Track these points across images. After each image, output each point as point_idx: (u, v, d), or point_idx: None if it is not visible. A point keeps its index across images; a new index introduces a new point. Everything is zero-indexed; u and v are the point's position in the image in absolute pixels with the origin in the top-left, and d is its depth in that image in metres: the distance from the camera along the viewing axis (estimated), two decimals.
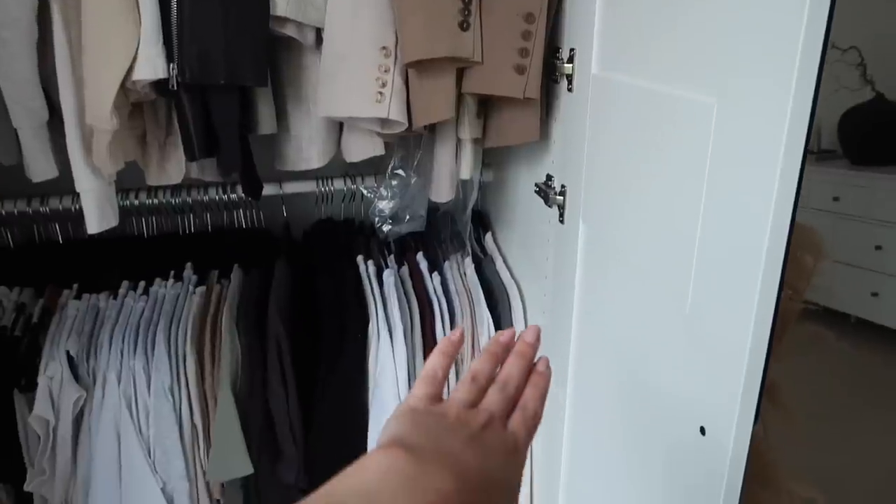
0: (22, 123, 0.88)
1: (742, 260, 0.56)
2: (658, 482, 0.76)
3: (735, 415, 0.61)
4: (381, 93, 0.94)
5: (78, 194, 1.14)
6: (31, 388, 1.08)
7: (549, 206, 1.07)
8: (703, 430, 0.66)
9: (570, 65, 0.96)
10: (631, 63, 0.79)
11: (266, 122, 1.00)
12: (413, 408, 0.45)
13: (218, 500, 1.15)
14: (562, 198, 1.02)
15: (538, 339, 0.53)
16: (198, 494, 1.12)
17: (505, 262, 1.31)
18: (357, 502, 0.37)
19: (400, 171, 1.13)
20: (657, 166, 0.71)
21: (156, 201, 1.22)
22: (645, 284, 0.76)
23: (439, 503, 0.38)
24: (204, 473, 1.12)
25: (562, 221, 1.02)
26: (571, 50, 0.96)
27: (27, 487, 1.11)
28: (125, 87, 0.87)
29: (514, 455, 0.45)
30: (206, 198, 1.24)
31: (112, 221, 0.97)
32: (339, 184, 1.29)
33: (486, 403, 0.46)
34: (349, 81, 0.94)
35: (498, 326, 1.23)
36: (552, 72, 1.02)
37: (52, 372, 1.06)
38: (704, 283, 0.63)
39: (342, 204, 1.34)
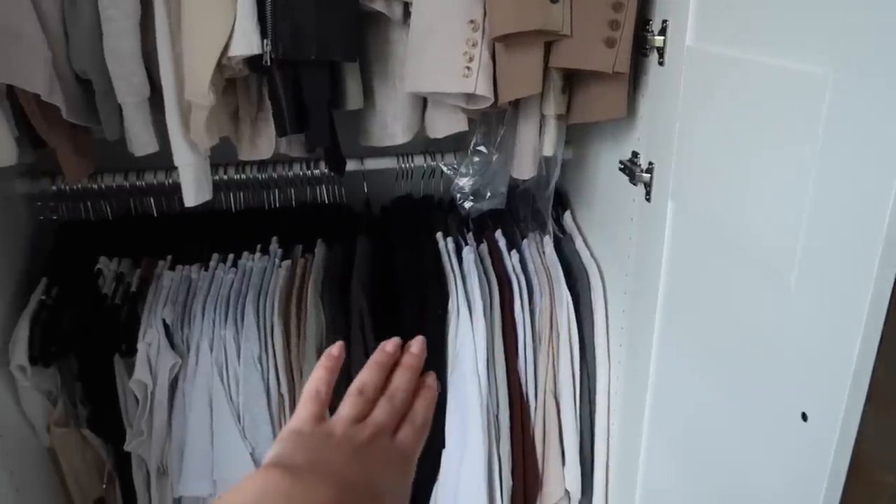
0: (126, 99, 0.92)
1: (857, 240, 0.54)
2: (755, 469, 0.74)
3: (842, 403, 0.58)
4: (468, 67, 0.93)
5: (172, 169, 1.20)
6: (130, 353, 1.14)
7: (635, 184, 1.04)
8: (804, 416, 0.64)
9: (662, 37, 0.93)
10: (730, 33, 0.76)
11: (353, 98, 1.01)
12: (297, 430, 0.44)
13: None
14: (648, 175, 0.99)
15: (424, 350, 0.53)
16: None
17: (584, 241, 1.29)
18: None
19: (482, 148, 1.13)
20: (760, 142, 0.68)
21: (243, 176, 1.25)
22: (743, 263, 0.74)
23: None
24: None
25: (648, 199, 1.00)
26: (664, 21, 0.93)
27: (127, 447, 1.18)
28: (221, 63, 0.90)
29: (403, 464, 0.45)
30: (290, 173, 1.27)
31: (207, 195, 1.01)
32: (419, 160, 1.30)
33: (373, 416, 0.46)
34: (436, 56, 0.94)
35: (577, 306, 1.22)
36: (642, 45, 0.99)
37: (150, 339, 1.11)
38: (813, 263, 0.60)
39: (421, 180, 1.35)
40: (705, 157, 0.82)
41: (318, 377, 0.48)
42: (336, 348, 0.50)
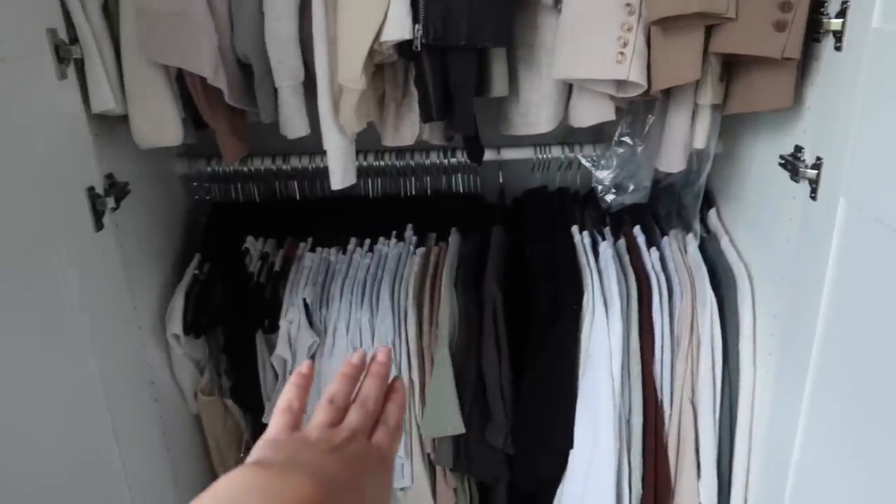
0: (283, 83, 0.95)
1: None
2: None
3: None
4: (622, 53, 0.89)
5: (316, 154, 1.24)
6: (272, 330, 1.19)
7: (797, 181, 0.96)
8: None
9: (840, 20, 0.85)
10: None
11: (498, 85, 1.00)
12: (272, 439, 0.44)
13: (428, 454, 1.19)
14: (815, 172, 0.91)
15: (390, 358, 0.53)
16: (412, 448, 1.17)
17: (731, 240, 1.21)
18: None
19: (626, 139, 1.08)
20: None
21: (382, 163, 1.27)
22: None
23: None
24: (418, 428, 1.17)
25: (813, 198, 0.92)
26: (844, 2, 0.85)
27: (265, 419, 1.23)
28: (372, 48, 0.91)
29: (380, 465, 0.45)
30: (427, 161, 1.28)
31: (352, 179, 1.03)
32: (556, 151, 1.27)
33: (347, 421, 0.47)
34: (589, 41, 0.90)
35: (721, 309, 1.14)
36: (814, 29, 0.91)
37: (292, 317, 1.15)
38: None
39: (558, 172, 1.31)
40: (893, 153, 0.74)
41: (288, 393, 0.48)
42: (305, 367, 0.49)
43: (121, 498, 1.03)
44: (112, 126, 1.03)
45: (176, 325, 1.16)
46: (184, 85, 1.00)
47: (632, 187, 1.11)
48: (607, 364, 1.12)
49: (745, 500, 1.18)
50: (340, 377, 0.50)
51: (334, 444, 0.43)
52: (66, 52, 0.89)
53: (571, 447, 1.15)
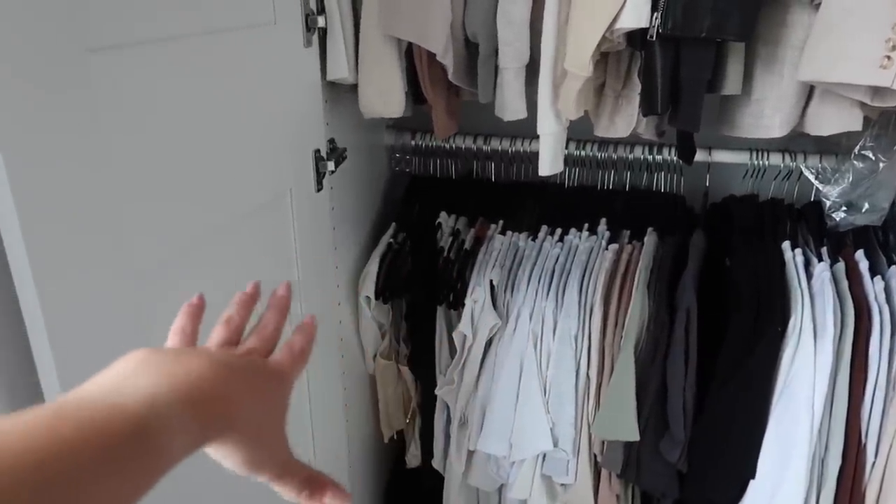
0: (508, 64, 0.96)
1: None
2: None
3: None
4: (888, 57, 0.80)
5: (517, 138, 1.25)
6: (455, 306, 1.22)
7: None
8: None
9: None
10: None
11: (732, 82, 0.94)
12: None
13: (595, 456, 1.16)
14: None
15: (290, 292, 0.50)
16: (579, 445, 1.15)
17: None
18: (101, 392, 0.32)
19: (869, 153, 0.97)
20: None
21: (583, 153, 1.25)
22: None
23: (194, 386, 0.34)
24: (589, 426, 1.14)
25: None
26: None
27: (437, 392, 1.26)
28: (604, 34, 0.88)
29: (277, 381, 0.43)
30: (631, 156, 1.23)
31: (559, 167, 1.01)
32: (775, 159, 1.18)
33: (244, 343, 0.44)
34: (850, 42, 0.82)
35: None
36: None
37: (477, 297, 1.17)
38: None
39: (773, 181, 1.22)
40: None
41: (181, 318, 0.45)
42: (197, 299, 0.47)
43: (305, 436, 1.11)
44: (339, 94, 1.09)
45: (369, 288, 1.22)
46: (409, 60, 1.03)
47: (866, 207, 1.00)
48: (808, 397, 1.02)
49: None
50: (234, 303, 0.47)
51: (231, 357, 0.41)
52: (312, 22, 0.95)
53: (753, 477, 1.07)
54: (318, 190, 1.04)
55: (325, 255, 1.12)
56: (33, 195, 0.56)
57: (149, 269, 0.70)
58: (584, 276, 1.16)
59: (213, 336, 0.44)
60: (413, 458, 1.44)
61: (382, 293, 1.23)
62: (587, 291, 1.14)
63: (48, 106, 0.57)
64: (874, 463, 1.06)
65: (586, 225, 1.25)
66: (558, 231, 1.24)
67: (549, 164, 0.99)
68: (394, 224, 1.30)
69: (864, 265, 1.10)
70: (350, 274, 1.23)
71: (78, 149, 0.60)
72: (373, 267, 1.23)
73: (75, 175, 0.60)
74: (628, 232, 1.24)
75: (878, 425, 1.05)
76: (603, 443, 1.15)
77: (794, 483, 1.04)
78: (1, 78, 0.52)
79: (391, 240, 1.27)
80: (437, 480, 1.37)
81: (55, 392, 0.60)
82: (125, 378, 0.33)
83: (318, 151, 1.02)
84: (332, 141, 1.08)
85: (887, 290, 1.07)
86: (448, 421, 1.31)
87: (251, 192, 0.87)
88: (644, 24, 0.86)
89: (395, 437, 1.44)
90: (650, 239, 1.19)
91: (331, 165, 1.06)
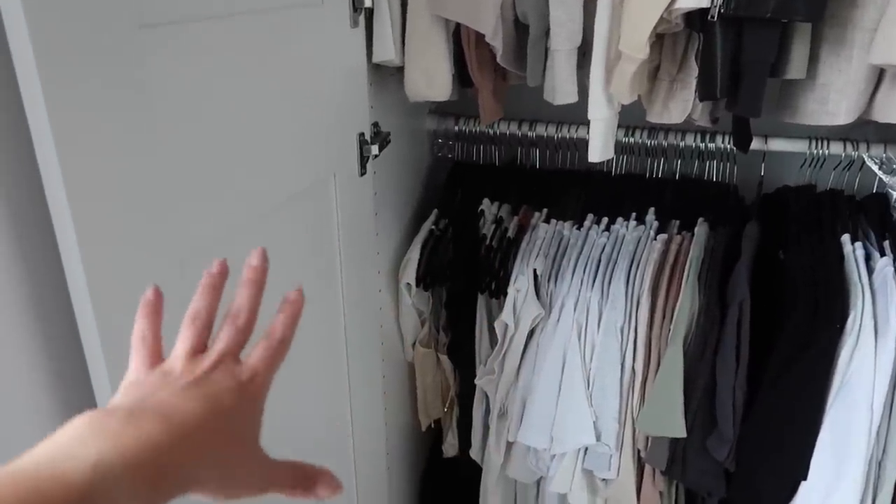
0: (560, 46, 0.93)
1: None
2: None
3: None
4: None
5: (563, 124, 1.21)
6: (497, 294, 1.19)
7: None
8: None
9: None
10: None
11: (797, 66, 0.89)
12: (133, 381, 0.40)
13: (639, 451, 1.13)
14: None
15: (265, 259, 0.44)
16: (623, 440, 1.12)
17: None
18: (46, 459, 0.30)
19: None
20: None
21: (632, 140, 1.21)
22: None
23: (144, 449, 0.32)
24: (633, 421, 1.11)
25: None
26: None
27: (477, 381, 1.24)
28: (662, 15, 0.84)
29: (248, 394, 0.40)
30: (682, 143, 1.19)
31: (609, 153, 0.98)
32: (836, 148, 1.12)
33: (215, 344, 0.41)
34: None
35: None
36: None
37: (520, 285, 1.14)
38: None
39: (833, 171, 1.16)
40: None
41: (138, 324, 0.42)
42: (150, 293, 0.43)
43: (343, 421, 1.10)
44: (383, 77, 1.07)
45: (410, 275, 1.20)
46: (456, 42, 1.00)
47: None
48: (868, 397, 0.98)
49: None
50: (201, 290, 0.43)
51: (195, 377, 0.38)
52: (359, 2, 0.93)
53: (805, 478, 1.03)
54: (362, 174, 1.02)
55: (367, 241, 1.10)
56: (81, 174, 0.55)
57: (192, 256, 0.69)
58: (631, 266, 1.12)
59: (178, 347, 0.41)
60: (450, 447, 1.42)
61: (423, 280, 1.21)
62: (634, 282, 1.11)
63: (101, 83, 0.56)
64: None
65: (634, 214, 1.21)
66: (605, 220, 1.21)
67: (600, 150, 0.96)
68: (435, 210, 1.28)
69: None
70: (391, 261, 1.22)
71: (127, 128, 0.59)
72: (414, 254, 1.21)
73: (123, 155, 0.59)
74: (678, 222, 1.20)
75: None
76: (647, 438, 1.12)
77: (849, 486, 1.00)
78: (55, 53, 0.51)
79: (433, 226, 1.25)
80: (475, 471, 1.35)
81: (103, 380, 0.60)
82: (71, 444, 0.31)
83: (362, 135, 1.00)
84: (375, 125, 1.06)
85: None
86: (487, 411, 1.29)
87: (296, 175, 0.86)
88: (705, 3, 0.82)
89: (432, 426, 1.43)
90: (701, 229, 1.14)
91: (374, 149, 1.04)
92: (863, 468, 0.99)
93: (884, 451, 1.01)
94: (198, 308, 0.43)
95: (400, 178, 1.24)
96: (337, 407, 1.08)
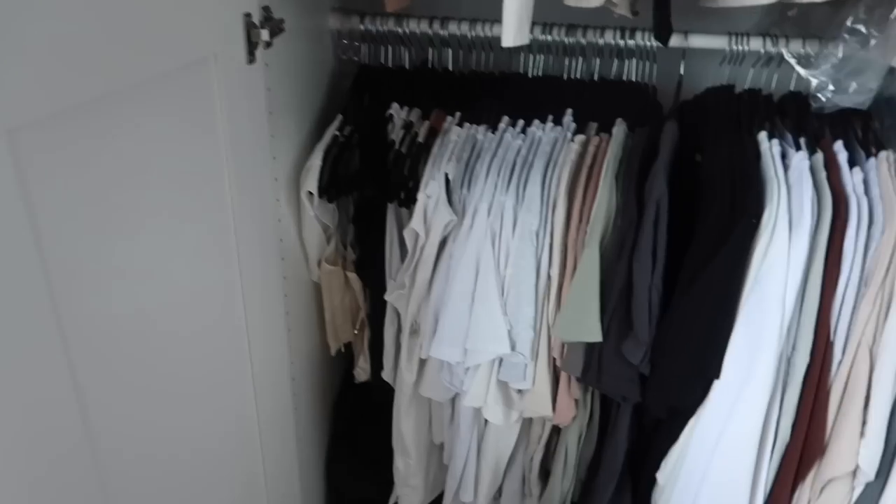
0: None
1: None
2: None
3: None
4: None
5: (476, 22, 1.13)
6: (407, 203, 1.12)
7: None
8: None
9: None
10: None
11: None
12: None
13: (554, 360, 1.10)
14: None
15: None
16: (538, 349, 1.09)
17: None
18: None
19: (861, 27, 0.89)
20: None
21: (549, 38, 1.14)
22: None
23: None
24: (549, 329, 1.08)
25: None
26: None
27: (387, 297, 1.17)
28: None
29: None
30: (601, 40, 1.13)
31: (525, 38, 0.90)
32: (755, 44, 1.09)
33: None
34: None
35: None
36: None
37: (431, 191, 1.07)
38: None
39: (752, 69, 1.13)
40: None
41: None
42: None
43: (240, 346, 1.01)
44: None
45: (311, 183, 1.10)
46: None
47: (854, 87, 0.93)
48: (780, 292, 0.97)
49: None
50: None
51: None
52: None
53: (718, 377, 1.03)
54: (250, 62, 0.91)
55: (259, 143, 1.00)
56: None
57: (23, 129, 0.57)
58: (547, 168, 1.07)
59: None
60: (362, 371, 1.36)
61: (327, 190, 1.12)
62: (550, 185, 1.05)
63: None
64: (840, 361, 1.03)
65: (551, 117, 1.15)
66: (520, 123, 1.14)
67: (514, 32, 0.88)
68: (340, 116, 1.18)
69: (842, 156, 1.04)
70: (291, 168, 1.11)
71: None
72: (316, 160, 1.11)
73: None
74: (596, 124, 1.15)
75: (846, 323, 1.01)
76: (563, 345, 1.08)
77: (760, 383, 0.99)
78: None
79: (337, 132, 1.15)
80: (388, 395, 1.29)
81: None
82: None
83: (248, 16, 0.89)
84: (266, 9, 0.94)
85: (866, 182, 1.02)
86: (399, 330, 1.23)
87: (162, 47, 0.74)
88: None
89: (342, 350, 1.36)
90: (619, 129, 1.10)
91: (265, 35, 0.93)
92: (774, 364, 0.99)
93: (793, 347, 1.02)
94: None
95: (299, 77, 1.13)
96: (230, 331, 0.99)
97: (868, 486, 1.05)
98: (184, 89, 0.79)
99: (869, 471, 1.02)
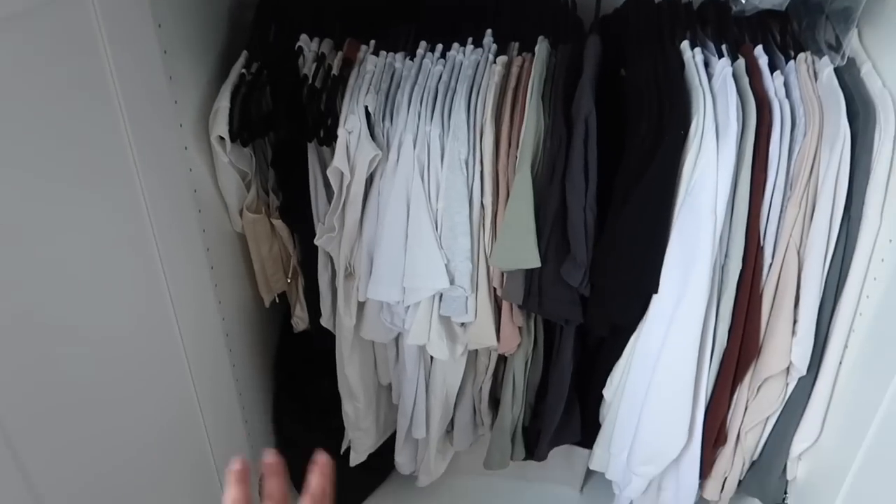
0: None
1: None
2: None
3: None
4: None
5: None
6: (328, 141, 1.06)
7: None
8: None
9: None
10: None
11: None
12: None
13: (495, 290, 1.08)
14: None
15: (277, 457, 0.54)
16: (477, 280, 1.06)
17: (874, 67, 1.01)
18: None
19: None
20: None
21: None
22: None
23: None
24: (486, 259, 1.05)
25: None
26: None
27: (317, 241, 1.12)
28: None
29: None
30: None
31: None
32: None
33: None
34: None
35: (854, 143, 0.97)
36: None
37: (351, 126, 1.01)
38: None
39: None
40: None
41: (230, 493, 0.51)
42: (238, 463, 0.52)
43: (164, 309, 0.95)
44: None
45: (221, 127, 1.02)
46: None
47: None
48: (711, 202, 0.97)
49: (840, 364, 1.07)
50: (231, 483, 0.51)
51: None
52: None
53: (656, 291, 1.03)
54: None
55: (156, 85, 0.91)
56: None
57: None
58: (471, 94, 1.02)
59: None
60: (300, 320, 1.32)
61: (240, 134, 1.04)
62: (476, 110, 1.01)
63: None
64: (771, 265, 1.05)
65: (470, 39, 1.09)
66: (439, 47, 1.08)
67: None
68: (245, 52, 1.09)
69: (763, 61, 1.03)
70: (196, 113, 1.03)
71: None
72: (223, 102, 1.03)
73: None
74: (517, 44, 1.10)
75: (775, 227, 1.03)
76: (502, 274, 1.07)
77: (696, 293, 1.00)
78: None
79: (243, 70, 1.07)
80: (329, 341, 1.26)
81: None
82: None
83: None
84: None
85: (787, 85, 1.02)
86: (333, 274, 1.18)
87: None
88: None
89: (277, 300, 1.31)
90: (541, 47, 1.05)
91: None
92: (709, 274, 1.00)
93: (726, 254, 1.03)
94: (233, 498, 0.51)
95: (195, 12, 1.03)
96: (150, 294, 0.92)
97: (801, 380, 1.09)
98: (59, 28, 0.70)
99: (801, 366, 1.06)
